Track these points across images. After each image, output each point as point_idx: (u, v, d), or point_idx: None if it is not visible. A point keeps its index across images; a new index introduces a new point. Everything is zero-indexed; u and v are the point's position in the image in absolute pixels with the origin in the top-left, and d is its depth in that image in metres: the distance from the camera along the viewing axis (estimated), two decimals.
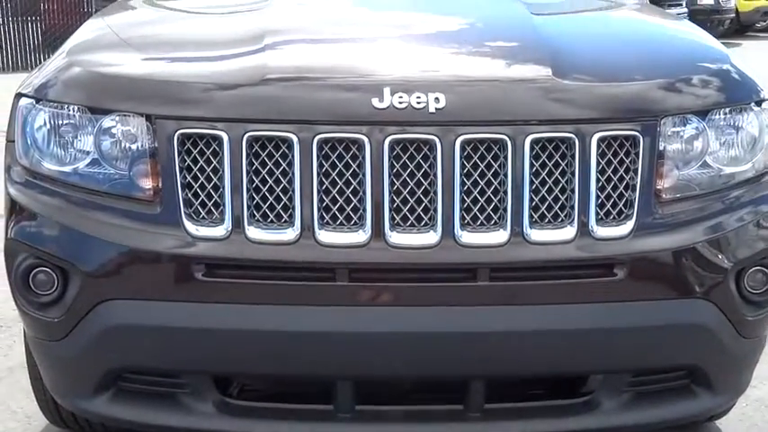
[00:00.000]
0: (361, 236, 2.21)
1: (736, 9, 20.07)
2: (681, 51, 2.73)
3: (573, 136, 2.24)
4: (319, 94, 2.27)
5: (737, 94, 2.51)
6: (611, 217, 2.29)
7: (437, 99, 2.20)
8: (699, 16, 17.94)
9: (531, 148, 2.23)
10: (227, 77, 2.29)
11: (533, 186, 2.24)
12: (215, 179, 2.22)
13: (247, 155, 2.20)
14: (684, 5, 17.49)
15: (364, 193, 2.20)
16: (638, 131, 2.29)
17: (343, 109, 2.23)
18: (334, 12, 2.93)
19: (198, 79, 2.32)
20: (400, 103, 2.20)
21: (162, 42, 2.67)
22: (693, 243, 2.33)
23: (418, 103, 2.20)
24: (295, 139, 2.19)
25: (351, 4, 3.09)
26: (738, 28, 20.44)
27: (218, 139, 2.21)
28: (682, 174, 2.38)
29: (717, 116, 2.42)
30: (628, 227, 2.29)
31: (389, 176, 2.20)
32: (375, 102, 2.20)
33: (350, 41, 2.61)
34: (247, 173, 2.20)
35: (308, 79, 2.33)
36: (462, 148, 2.21)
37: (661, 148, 2.33)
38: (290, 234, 2.21)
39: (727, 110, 2.44)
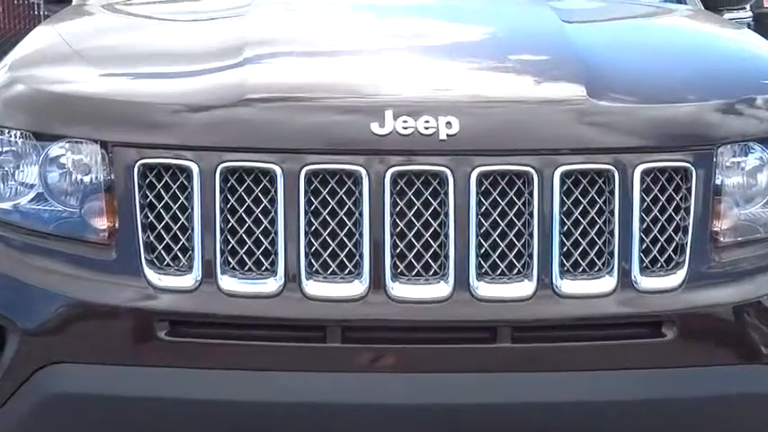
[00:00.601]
0: (357, 287, 1.88)
1: None
2: (741, 66, 2.36)
3: (612, 168, 1.90)
4: (308, 117, 1.94)
5: None
6: (659, 265, 1.95)
7: (449, 124, 1.87)
8: (765, 20, 17.53)
9: (562, 183, 1.89)
10: (199, 97, 1.96)
11: (564, 228, 1.90)
12: (182, 219, 1.91)
13: (221, 190, 1.88)
14: (748, 9, 17.09)
15: (361, 235, 1.87)
16: (689, 162, 1.95)
17: (337, 135, 1.90)
18: (329, 19, 2.56)
19: (163, 99, 1.99)
20: (405, 128, 1.87)
21: (122, 55, 2.31)
22: (758, 297, 1.98)
23: (426, 128, 1.87)
24: (279, 170, 1.87)
25: (349, 10, 2.70)
26: None
27: (187, 171, 1.90)
28: (743, 213, 2.03)
29: None
30: (678, 277, 1.94)
31: (391, 216, 1.87)
32: (374, 127, 1.87)
33: (346, 54, 2.26)
34: (221, 211, 1.88)
35: (295, 100, 2.00)
36: (479, 183, 1.88)
37: (718, 182, 1.98)
38: (271, 285, 1.89)
39: None
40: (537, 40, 2.38)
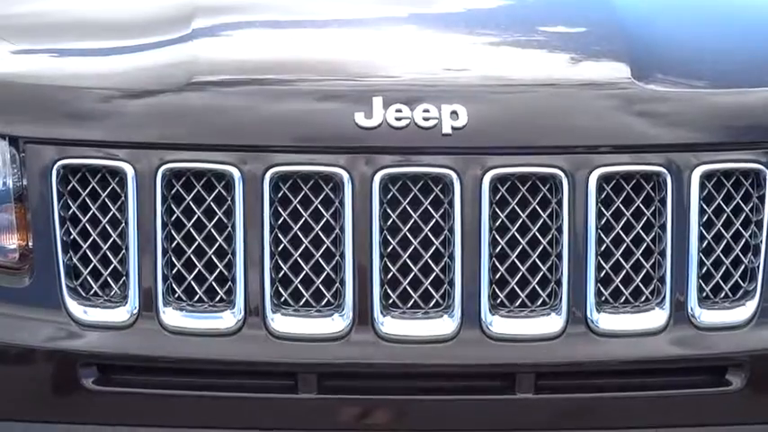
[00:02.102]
0: (337, 323, 1.53)
1: None
2: None
3: (663, 170, 1.54)
4: (274, 105, 1.58)
5: None
6: (723, 294, 1.58)
7: (454, 113, 1.51)
8: None
9: (600, 189, 1.53)
10: (134, 80, 1.61)
11: (603, 247, 1.53)
12: (114, 236, 1.56)
13: (164, 198, 1.54)
14: None
15: (342, 256, 1.51)
16: (762, 164, 1.57)
17: (311, 129, 1.54)
18: None
19: (90, 83, 1.62)
20: (398, 119, 1.51)
21: (35, 26, 1.92)
22: None
23: (425, 119, 1.50)
24: (237, 173, 1.53)
25: None
26: None
27: (120, 175, 1.55)
28: None
29: None
30: (748, 310, 1.58)
31: (381, 231, 1.51)
32: (359, 118, 1.51)
33: (323, 24, 1.88)
34: (164, 226, 1.54)
35: (257, 83, 1.64)
36: (494, 189, 1.52)
37: None
38: (228, 320, 1.54)
39: None
40: (570, 4, 1.99)
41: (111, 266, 1.54)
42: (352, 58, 1.69)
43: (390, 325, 1.51)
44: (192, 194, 1.53)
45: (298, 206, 1.51)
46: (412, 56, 1.68)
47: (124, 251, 1.53)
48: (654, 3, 2.05)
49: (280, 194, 1.51)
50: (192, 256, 1.53)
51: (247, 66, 1.67)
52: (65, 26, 1.90)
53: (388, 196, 1.50)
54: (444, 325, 1.51)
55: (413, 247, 1.51)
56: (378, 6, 1.97)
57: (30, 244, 1.57)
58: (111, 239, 1.54)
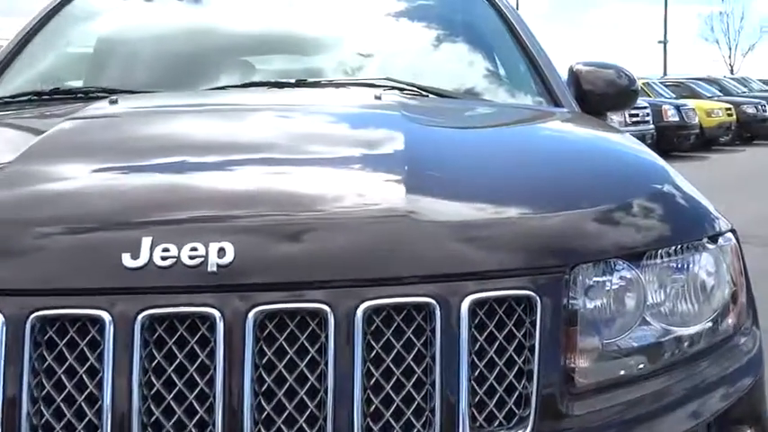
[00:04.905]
0: None
1: (701, 125, 20.45)
2: (604, 171, 1.97)
3: (432, 301, 1.48)
4: (31, 242, 1.50)
5: (684, 227, 1.77)
6: (497, 423, 1.50)
7: (222, 251, 1.45)
8: (666, 132, 18.30)
9: (369, 322, 1.46)
10: None
11: (372, 381, 1.46)
12: None
13: None
14: (651, 123, 17.63)
15: (104, 398, 1.40)
16: (533, 290, 1.52)
17: (74, 271, 1.46)
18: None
19: None
20: (164, 258, 1.44)
21: None
22: None
23: (192, 257, 1.45)
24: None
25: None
26: (704, 142, 20.88)
27: None
28: (607, 345, 1.61)
29: (655, 260, 1.67)
30: None
31: (141, 373, 1.41)
32: (126, 259, 1.44)
33: (93, 162, 1.83)
34: None
35: (17, 224, 1.54)
36: (261, 326, 1.45)
37: (572, 311, 1.57)
38: None
39: (671, 250, 1.69)
40: (359, 142, 1.97)
41: None
42: (124, 197, 1.62)
43: None
44: None
45: (64, 350, 1.42)
46: (186, 193, 1.63)
47: None
48: (444, 142, 2.04)
49: (46, 337, 1.42)
50: None
51: (8, 203, 1.60)
52: None
53: (155, 336, 1.42)
54: None
55: (177, 387, 1.41)
56: (150, 145, 1.93)
57: None
58: None
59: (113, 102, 2.34)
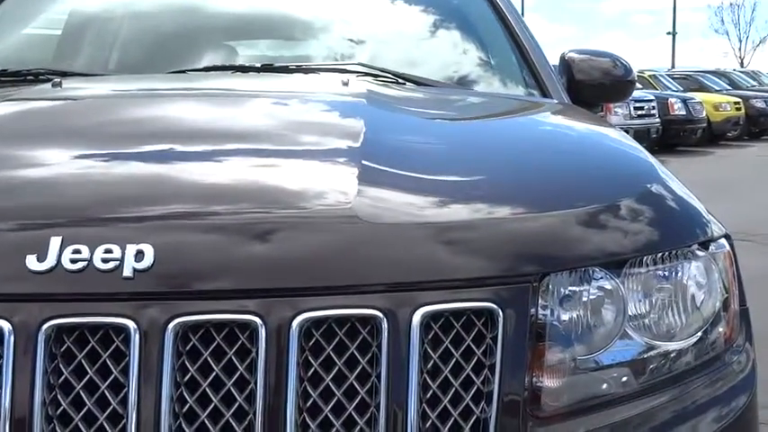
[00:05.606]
0: None
1: (708, 119, 20.18)
2: (584, 168, 1.78)
3: (378, 313, 1.31)
4: None
5: (672, 232, 1.59)
6: None
7: (140, 253, 1.28)
8: (672, 126, 18.08)
9: (308, 336, 1.30)
10: None
11: (309, 403, 1.29)
12: None
13: None
14: (657, 116, 17.41)
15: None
16: (495, 302, 1.35)
17: None
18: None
19: None
20: (73, 261, 1.28)
21: None
22: None
23: (105, 260, 1.28)
24: None
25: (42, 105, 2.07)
26: (711, 137, 20.56)
27: None
28: (581, 362, 1.44)
29: (639, 268, 1.49)
30: None
31: (45, 391, 1.25)
32: (30, 261, 1.28)
33: (4, 147, 1.66)
34: None
35: None
36: (184, 338, 1.28)
37: (540, 324, 1.40)
38: None
39: (657, 257, 1.52)
40: (312, 132, 1.78)
41: None
42: (32, 191, 1.45)
43: None
44: None
45: None
46: (103, 188, 1.45)
47: None
48: (405, 126, 1.89)
49: None
50: None
51: None
52: None
53: (62, 348, 1.26)
54: None
55: (91, 400, 1.25)
56: (72, 135, 1.76)
57: None
58: None
59: (56, 84, 2.17)
